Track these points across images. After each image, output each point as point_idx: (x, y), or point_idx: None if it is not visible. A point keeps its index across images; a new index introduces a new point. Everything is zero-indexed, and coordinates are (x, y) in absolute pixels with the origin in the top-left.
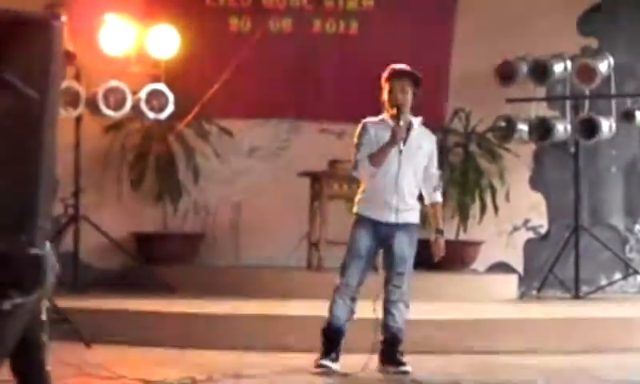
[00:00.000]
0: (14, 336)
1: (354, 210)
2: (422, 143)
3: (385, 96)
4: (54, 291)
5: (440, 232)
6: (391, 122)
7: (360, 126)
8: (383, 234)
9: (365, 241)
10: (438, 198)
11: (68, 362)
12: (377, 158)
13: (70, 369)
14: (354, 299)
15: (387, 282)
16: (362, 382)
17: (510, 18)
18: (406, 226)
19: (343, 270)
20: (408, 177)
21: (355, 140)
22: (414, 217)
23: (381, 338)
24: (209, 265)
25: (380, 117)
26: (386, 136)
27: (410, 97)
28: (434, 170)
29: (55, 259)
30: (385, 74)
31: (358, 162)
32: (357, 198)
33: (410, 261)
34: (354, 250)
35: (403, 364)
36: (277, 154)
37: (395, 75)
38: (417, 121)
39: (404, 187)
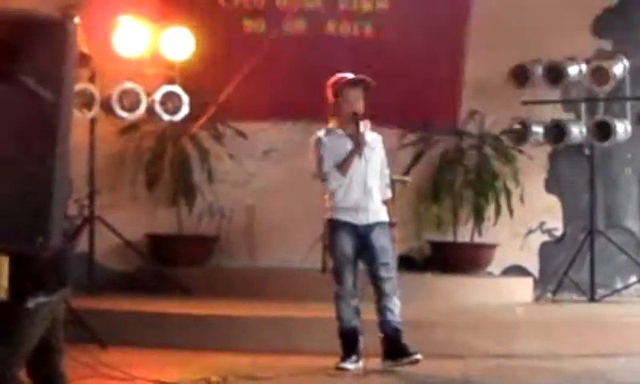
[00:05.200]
0: (36, 335)
1: (328, 216)
2: (375, 145)
3: (333, 103)
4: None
5: (392, 224)
6: (339, 131)
7: (315, 140)
8: (362, 235)
9: (349, 244)
10: (389, 194)
11: (83, 363)
12: (344, 167)
13: (85, 370)
14: (354, 297)
15: (374, 279)
16: (370, 382)
17: (524, 20)
18: (379, 224)
19: (338, 277)
20: (373, 179)
21: (313, 155)
22: (384, 215)
23: (380, 335)
24: (223, 267)
25: (328, 128)
26: (339, 145)
27: (362, 103)
28: (386, 170)
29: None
30: (336, 83)
31: (327, 174)
32: (327, 205)
33: (392, 252)
34: (342, 256)
35: (413, 353)
36: (291, 156)
37: (350, 84)
38: (367, 125)
39: (372, 189)
